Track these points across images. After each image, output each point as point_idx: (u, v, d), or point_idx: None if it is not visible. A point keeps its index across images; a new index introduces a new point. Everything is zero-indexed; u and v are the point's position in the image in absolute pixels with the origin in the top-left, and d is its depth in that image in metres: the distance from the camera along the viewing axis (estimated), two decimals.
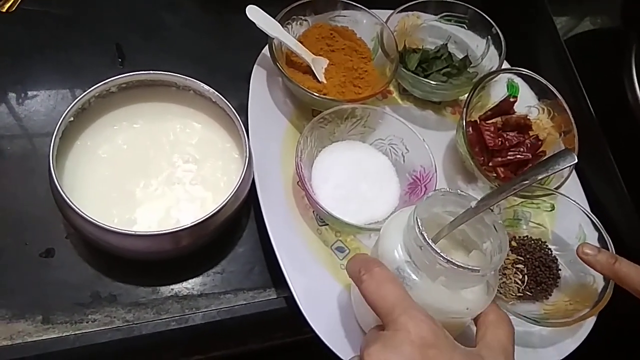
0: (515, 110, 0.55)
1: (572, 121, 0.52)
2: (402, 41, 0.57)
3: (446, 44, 0.60)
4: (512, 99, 0.54)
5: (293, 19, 0.53)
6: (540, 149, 0.54)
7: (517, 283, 0.48)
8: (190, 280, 0.45)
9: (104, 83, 0.44)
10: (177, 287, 0.45)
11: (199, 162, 0.46)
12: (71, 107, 0.42)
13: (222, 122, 0.48)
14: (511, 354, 0.34)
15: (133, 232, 0.39)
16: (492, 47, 0.57)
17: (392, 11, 0.56)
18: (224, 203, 0.41)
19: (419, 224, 0.34)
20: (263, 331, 0.47)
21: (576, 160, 0.39)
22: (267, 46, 0.51)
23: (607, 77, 0.57)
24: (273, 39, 0.51)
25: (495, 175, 0.52)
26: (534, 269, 0.49)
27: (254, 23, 0.50)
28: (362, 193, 0.49)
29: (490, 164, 0.53)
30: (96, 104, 0.45)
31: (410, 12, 0.57)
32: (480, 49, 0.58)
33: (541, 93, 0.54)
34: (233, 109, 0.45)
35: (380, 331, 0.33)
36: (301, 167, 0.46)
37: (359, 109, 0.50)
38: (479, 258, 0.37)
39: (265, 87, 0.52)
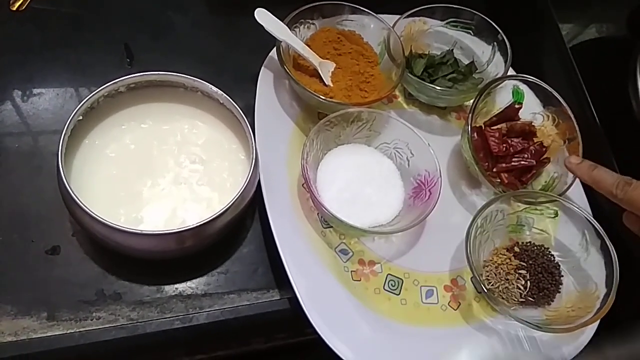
0: (520, 116, 0.55)
1: (577, 129, 0.52)
2: (408, 46, 0.57)
3: (452, 50, 0.60)
4: (517, 106, 0.55)
5: (301, 22, 0.54)
6: (545, 156, 0.54)
7: (520, 288, 0.48)
8: (194, 280, 0.45)
9: (113, 83, 0.44)
10: (181, 287, 0.45)
11: (205, 162, 0.47)
12: (80, 106, 0.42)
13: (229, 123, 0.48)
14: None
15: (139, 231, 0.39)
16: (497, 54, 0.57)
17: (399, 16, 0.57)
18: (229, 204, 0.41)
19: None
20: (266, 332, 0.47)
21: None
22: (274, 49, 0.52)
23: (611, 85, 0.57)
24: (281, 42, 0.51)
25: (499, 180, 0.53)
26: (536, 274, 0.49)
27: (261, 26, 0.50)
28: (366, 196, 0.49)
29: (494, 170, 0.53)
30: (105, 104, 0.45)
31: (417, 18, 0.58)
32: (486, 55, 0.59)
33: (546, 100, 0.54)
34: (240, 111, 0.45)
35: None
36: (307, 170, 0.46)
37: (365, 113, 0.50)
38: None
39: (272, 90, 0.53)
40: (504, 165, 0.53)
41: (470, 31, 0.59)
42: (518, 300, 0.48)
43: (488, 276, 0.49)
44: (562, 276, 0.50)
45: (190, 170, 0.46)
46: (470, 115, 0.51)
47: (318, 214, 0.48)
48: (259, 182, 0.45)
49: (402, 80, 0.53)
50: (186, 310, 0.44)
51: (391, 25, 0.55)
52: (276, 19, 0.51)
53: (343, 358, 0.41)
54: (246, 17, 0.51)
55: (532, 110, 0.55)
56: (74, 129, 0.42)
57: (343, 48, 0.55)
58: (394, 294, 0.47)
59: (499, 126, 0.55)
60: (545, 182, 0.54)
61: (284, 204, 0.47)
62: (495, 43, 0.58)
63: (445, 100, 0.58)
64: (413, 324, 0.46)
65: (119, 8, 0.58)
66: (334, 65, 0.54)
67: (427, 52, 0.60)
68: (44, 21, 0.55)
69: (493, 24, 0.57)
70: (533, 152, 0.53)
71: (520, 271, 0.49)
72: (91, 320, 0.42)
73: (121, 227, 0.38)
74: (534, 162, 0.53)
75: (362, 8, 0.55)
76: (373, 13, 0.55)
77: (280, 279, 0.46)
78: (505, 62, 0.56)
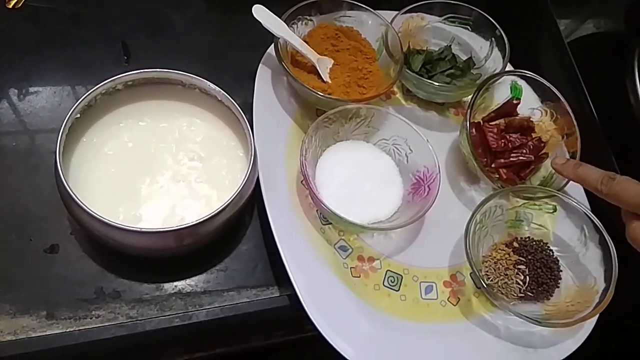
0: (519, 112, 0.55)
1: (575, 124, 0.52)
2: (406, 42, 0.57)
3: (450, 46, 0.60)
4: (515, 101, 0.55)
5: (299, 18, 0.54)
6: (543, 151, 0.54)
7: (519, 284, 0.48)
8: (193, 278, 0.45)
9: (111, 80, 0.44)
10: (180, 284, 0.45)
11: (204, 160, 0.46)
12: (78, 104, 0.42)
13: (227, 120, 0.48)
14: None
15: (138, 229, 0.39)
16: (495, 49, 0.57)
17: (397, 12, 0.56)
18: (228, 202, 0.41)
19: None
20: (265, 329, 0.47)
21: None
22: (272, 45, 0.52)
23: (609, 80, 0.57)
24: (279, 38, 0.51)
25: (497, 176, 0.53)
26: (535, 269, 0.49)
27: (259, 22, 0.50)
28: (365, 193, 0.49)
29: (492, 165, 0.53)
30: (102, 101, 0.45)
31: (414, 14, 0.58)
32: (484, 51, 0.59)
33: (544, 95, 0.54)
34: (239, 108, 0.45)
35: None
36: (306, 166, 0.46)
37: (364, 109, 0.50)
38: None
39: (270, 86, 0.52)
40: (502, 160, 0.53)
41: (468, 27, 0.59)
42: (517, 296, 0.48)
43: (487, 272, 0.49)
44: (561, 271, 0.50)
45: (188, 167, 0.46)
46: (468, 110, 0.51)
47: (317, 210, 0.48)
48: (257, 179, 0.45)
49: (400, 76, 0.53)
50: (185, 307, 0.44)
51: (389, 21, 0.55)
52: (274, 15, 0.51)
53: (343, 354, 0.41)
54: (243, 14, 0.51)
55: (530, 105, 0.55)
56: (71, 127, 0.42)
57: (341, 44, 0.55)
58: (394, 290, 0.47)
59: (497, 122, 0.55)
60: (544, 177, 0.54)
61: (283, 201, 0.47)
62: (493, 39, 0.58)
63: (444, 96, 0.58)
64: (412, 319, 0.46)
65: (116, 6, 0.58)
66: (332, 61, 0.54)
67: (425, 48, 0.60)
68: (41, 19, 0.55)
69: (491, 19, 0.57)
70: (531, 147, 0.53)
71: (519, 266, 0.49)
72: (90, 318, 0.42)
73: (120, 225, 0.38)
74: (533, 158, 0.53)
75: (359, 4, 0.55)
76: (371, 9, 0.55)
77: (280, 276, 0.46)
78: (504, 57, 0.56)
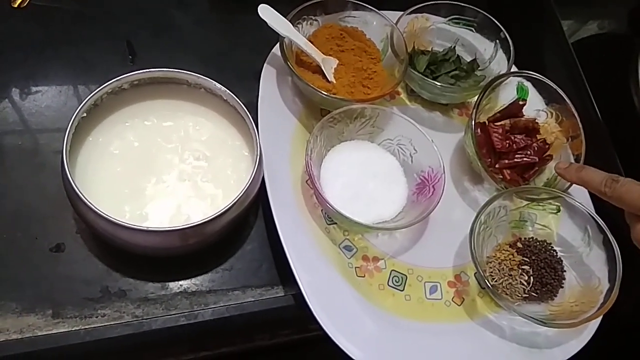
0: (524, 113, 0.55)
1: (580, 126, 0.53)
2: (411, 43, 0.57)
3: (454, 47, 0.60)
4: (521, 102, 0.55)
5: (304, 18, 0.54)
6: (547, 153, 0.54)
7: (523, 284, 0.48)
8: (199, 277, 0.45)
9: (116, 80, 0.44)
10: (185, 284, 0.45)
11: (209, 159, 0.47)
12: (84, 104, 0.42)
13: (232, 120, 0.48)
14: None
15: (144, 228, 0.39)
16: (500, 51, 0.57)
17: (401, 12, 0.57)
18: (234, 201, 0.41)
19: None
20: (270, 328, 0.47)
21: None
22: (277, 45, 0.52)
23: (613, 82, 0.57)
24: (284, 38, 0.51)
25: (501, 177, 0.53)
26: (539, 270, 0.49)
27: (263, 22, 0.50)
28: (370, 192, 0.49)
29: (497, 166, 0.53)
30: (108, 101, 0.45)
31: (419, 14, 0.58)
32: (488, 53, 0.59)
33: (550, 97, 0.54)
34: (244, 107, 0.45)
35: None
36: (311, 166, 0.46)
37: (369, 109, 0.50)
38: None
39: (275, 86, 0.52)
40: (506, 161, 0.53)
41: (473, 28, 0.59)
42: (522, 296, 0.48)
43: (491, 272, 0.49)
44: (565, 271, 0.50)
45: (194, 167, 0.46)
46: (474, 111, 0.51)
47: (322, 210, 0.48)
48: (262, 178, 0.46)
49: (405, 76, 0.53)
50: (191, 307, 0.44)
51: (394, 21, 0.55)
52: (279, 15, 0.51)
53: (348, 354, 0.41)
54: (248, 14, 0.51)
55: (535, 107, 0.55)
56: (77, 126, 0.42)
57: (346, 44, 0.55)
58: (398, 289, 0.47)
59: (502, 122, 0.55)
60: (548, 179, 0.54)
61: (288, 200, 0.47)
62: (497, 40, 0.58)
63: (448, 97, 0.58)
64: (417, 319, 0.46)
65: (121, 5, 0.58)
66: (337, 61, 0.54)
67: (429, 49, 0.60)
68: (46, 18, 0.55)
69: (495, 21, 0.57)
70: (536, 148, 0.54)
71: (523, 267, 0.49)
72: (96, 317, 0.42)
73: (125, 224, 0.38)
74: (537, 159, 0.53)
75: (364, 4, 0.55)
76: (376, 9, 0.55)
77: (285, 276, 0.46)
78: (508, 60, 0.56)
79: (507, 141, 0.53)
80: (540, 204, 0.52)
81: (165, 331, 0.42)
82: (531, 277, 0.49)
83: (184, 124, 0.48)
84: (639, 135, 0.54)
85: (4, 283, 0.42)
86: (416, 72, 0.55)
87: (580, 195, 0.54)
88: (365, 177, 0.50)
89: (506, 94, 0.55)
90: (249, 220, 0.49)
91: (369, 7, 0.55)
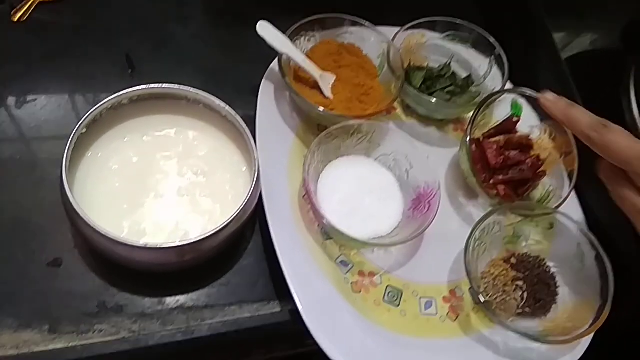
0: (518, 129, 0.56)
1: (573, 142, 0.53)
2: (407, 59, 0.58)
3: (449, 63, 0.61)
4: (515, 119, 0.55)
5: (302, 34, 0.54)
6: (541, 169, 0.55)
7: (517, 300, 0.49)
8: (195, 292, 0.46)
9: (117, 95, 0.44)
10: (182, 299, 0.45)
11: (207, 174, 0.47)
12: (85, 119, 0.42)
13: (230, 135, 0.48)
14: None
15: (141, 245, 0.40)
16: (495, 68, 0.58)
17: (398, 29, 0.57)
18: (232, 217, 0.41)
19: None
20: (267, 343, 0.47)
21: None
22: (275, 61, 0.52)
23: (606, 99, 0.58)
24: (282, 54, 0.51)
25: (496, 192, 0.53)
26: (533, 285, 0.50)
27: (262, 38, 0.51)
28: (366, 208, 0.50)
29: (491, 182, 0.54)
30: (107, 116, 0.45)
31: (415, 30, 0.59)
32: (483, 69, 0.60)
33: (544, 114, 0.55)
34: (243, 124, 0.45)
35: None
36: (308, 182, 0.46)
37: (365, 125, 0.51)
38: None
39: (273, 101, 0.53)
40: (501, 177, 0.54)
41: (468, 44, 0.60)
42: (515, 312, 0.49)
43: (486, 287, 0.49)
44: (559, 287, 0.51)
45: (192, 182, 0.46)
46: (469, 127, 0.52)
47: (319, 225, 0.49)
48: (260, 194, 0.46)
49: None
50: (188, 322, 0.44)
51: (391, 38, 0.56)
52: (278, 31, 0.52)
53: None
54: (247, 29, 0.51)
55: (529, 123, 0.56)
56: (77, 141, 0.42)
57: (343, 61, 0.56)
58: (394, 305, 0.47)
59: (496, 138, 0.56)
60: (541, 195, 0.54)
61: (285, 215, 0.47)
62: (492, 57, 0.59)
63: (443, 113, 0.58)
64: (412, 335, 0.46)
65: (120, 19, 0.58)
66: (335, 77, 0.55)
67: (425, 65, 0.61)
68: (45, 32, 0.55)
69: (490, 38, 0.58)
70: (530, 165, 0.54)
71: (517, 282, 0.49)
72: (93, 332, 0.42)
73: (122, 241, 0.39)
74: (531, 175, 0.54)
75: (362, 21, 0.56)
76: (373, 26, 0.56)
77: (281, 291, 0.46)
78: (503, 76, 0.57)
79: (502, 157, 0.54)
80: (534, 220, 0.52)
81: (162, 347, 0.43)
82: (525, 293, 0.49)
83: (182, 139, 0.48)
84: None
85: (1, 298, 0.42)
86: (412, 88, 0.56)
87: (573, 212, 0.55)
88: (361, 192, 0.51)
89: (501, 111, 0.56)
90: (246, 235, 0.49)
91: (366, 23, 0.56)
